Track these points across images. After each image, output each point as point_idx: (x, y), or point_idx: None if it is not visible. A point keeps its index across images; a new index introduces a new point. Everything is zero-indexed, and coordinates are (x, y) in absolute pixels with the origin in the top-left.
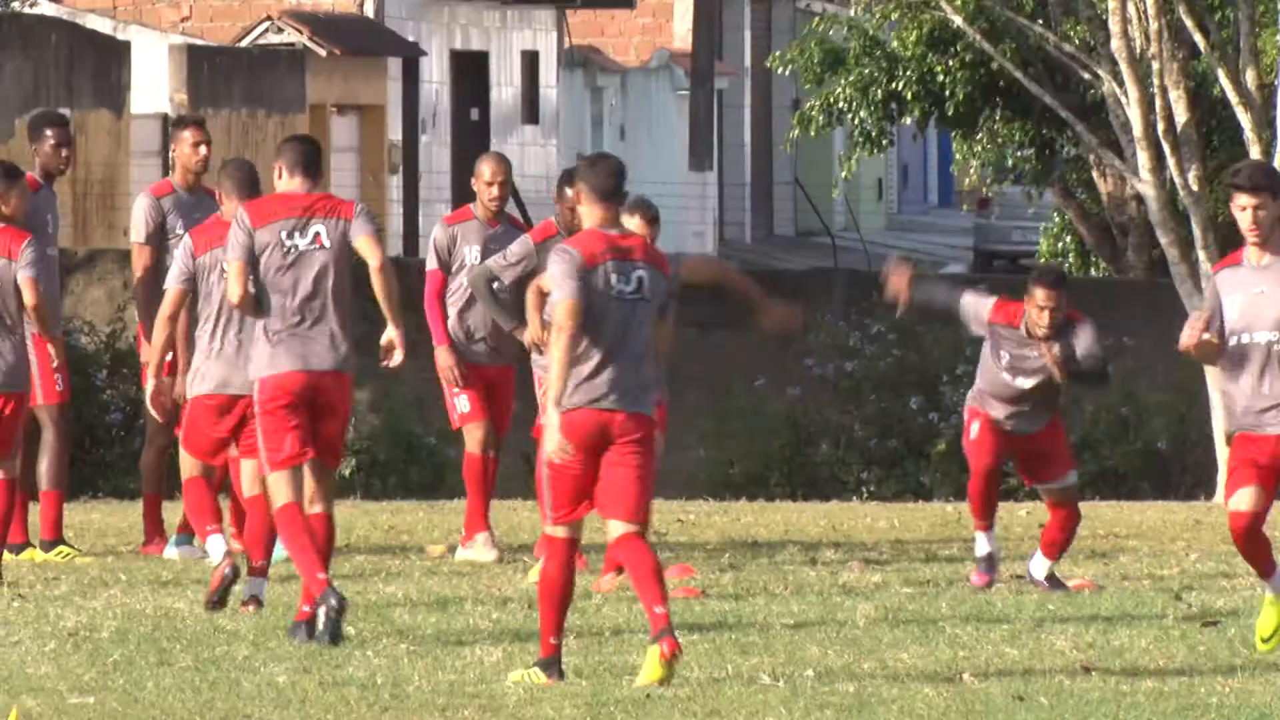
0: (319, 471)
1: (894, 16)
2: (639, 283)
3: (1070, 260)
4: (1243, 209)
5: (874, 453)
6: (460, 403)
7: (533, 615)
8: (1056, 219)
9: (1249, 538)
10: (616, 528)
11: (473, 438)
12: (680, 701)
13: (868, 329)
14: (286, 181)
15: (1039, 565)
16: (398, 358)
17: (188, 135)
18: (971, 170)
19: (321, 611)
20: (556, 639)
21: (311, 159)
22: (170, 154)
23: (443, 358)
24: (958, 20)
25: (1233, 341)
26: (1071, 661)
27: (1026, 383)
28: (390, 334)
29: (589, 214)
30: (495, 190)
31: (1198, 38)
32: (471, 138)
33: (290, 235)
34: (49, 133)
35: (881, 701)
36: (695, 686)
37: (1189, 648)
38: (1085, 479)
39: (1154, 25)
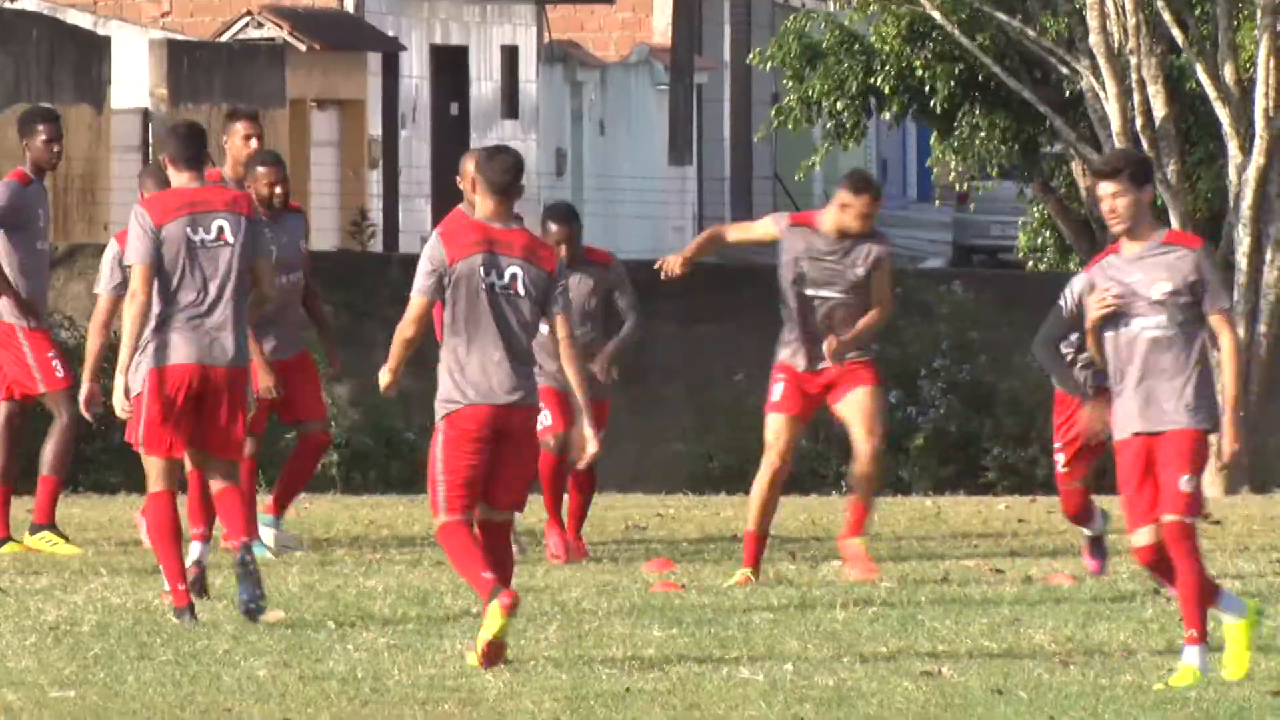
0: (216, 459)
1: (872, 9)
2: (512, 277)
3: (1049, 255)
4: (1100, 197)
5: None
6: None
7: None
8: (1035, 213)
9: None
10: (493, 514)
11: None
12: (660, 695)
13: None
14: (174, 176)
15: None
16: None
17: (240, 128)
18: (951, 167)
19: (241, 559)
20: (494, 574)
21: (195, 152)
22: (220, 143)
23: None
24: (936, 14)
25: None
26: (1050, 655)
27: None
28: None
29: (480, 205)
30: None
31: (1176, 32)
32: (451, 132)
33: (195, 230)
34: (40, 128)
35: (861, 695)
36: (675, 680)
37: (1167, 641)
38: None
39: (1132, 20)
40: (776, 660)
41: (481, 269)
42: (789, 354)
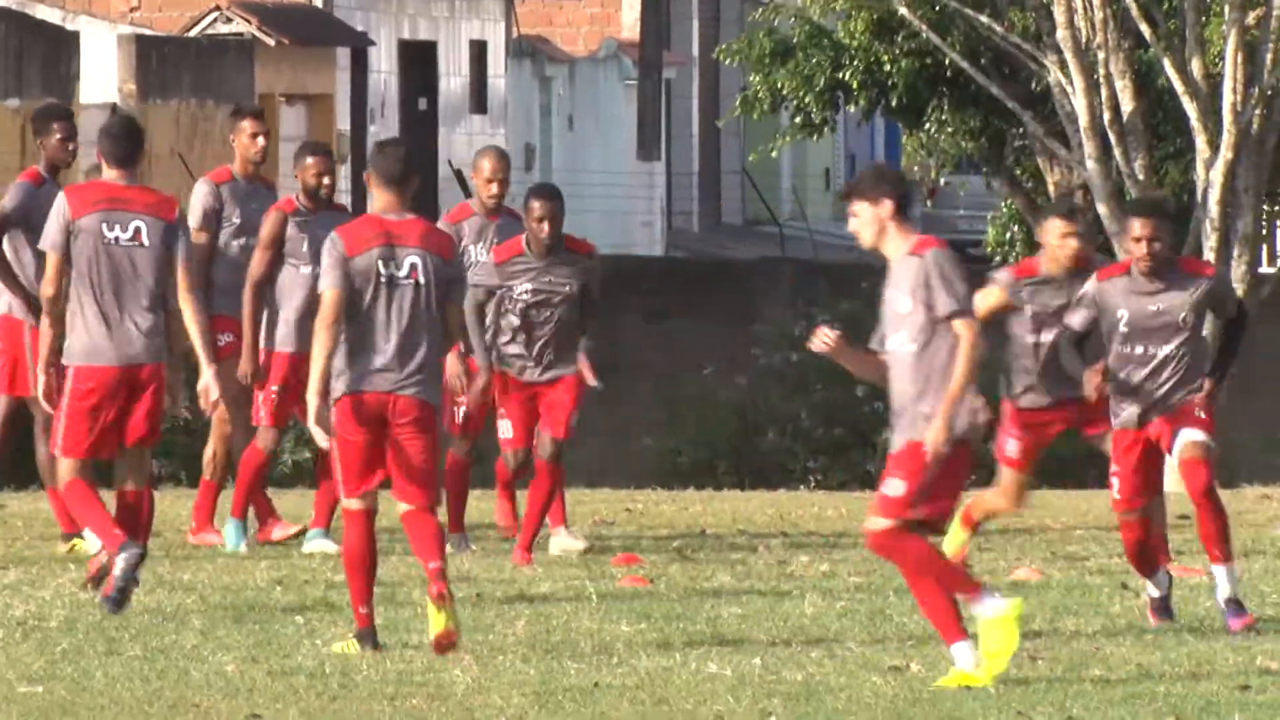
0: (135, 454)
1: (839, 6)
2: (411, 268)
3: (1018, 249)
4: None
5: (821, 442)
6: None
7: (480, 605)
8: (1004, 208)
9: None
10: (404, 508)
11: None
12: (628, 690)
13: (814, 318)
14: (105, 172)
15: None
16: (213, 396)
17: (246, 125)
18: (919, 161)
19: (120, 559)
20: (367, 608)
21: (126, 149)
22: (229, 141)
23: (450, 364)
24: (903, 9)
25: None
26: (1019, 650)
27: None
28: (205, 378)
29: (376, 198)
30: (495, 189)
31: (1144, 27)
32: (420, 127)
33: (111, 227)
34: (55, 126)
35: (829, 690)
36: (643, 675)
37: (1135, 636)
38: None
39: (1100, 15)
40: (745, 655)
41: (380, 262)
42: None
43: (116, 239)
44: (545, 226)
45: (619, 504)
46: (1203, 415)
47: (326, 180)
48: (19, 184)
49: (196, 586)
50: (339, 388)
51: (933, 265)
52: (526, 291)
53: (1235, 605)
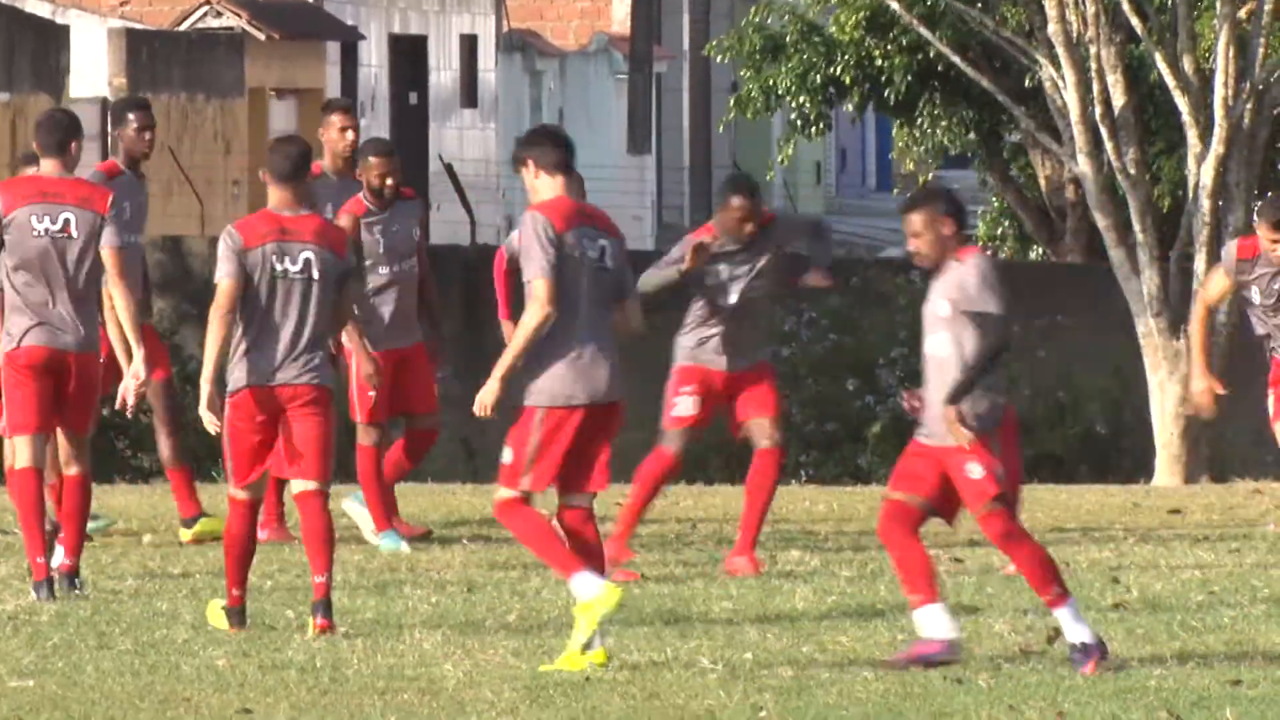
0: (69, 440)
1: (832, 1)
2: (305, 263)
3: (1009, 244)
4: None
5: (811, 436)
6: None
7: (472, 599)
8: (995, 203)
9: None
10: (298, 485)
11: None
12: (619, 685)
13: (804, 314)
14: (42, 163)
15: None
16: (141, 377)
17: (336, 119)
18: (911, 156)
19: (34, 591)
20: (240, 590)
21: (58, 139)
22: (319, 136)
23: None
24: (895, 5)
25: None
26: (1010, 645)
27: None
28: (135, 363)
29: (270, 194)
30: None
31: (1135, 22)
32: (410, 122)
33: (40, 219)
34: (131, 117)
35: (820, 684)
36: (634, 670)
37: (1127, 630)
38: (1024, 463)
39: (1091, 9)
40: (736, 649)
41: (273, 257)
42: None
43: (47, 230)
44: (747, 225)
45: (610, 498)
46: None
47: (390, 181)
48: (92, 174)
49: (187, 581)
50: (236, 380)
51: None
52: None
53: None
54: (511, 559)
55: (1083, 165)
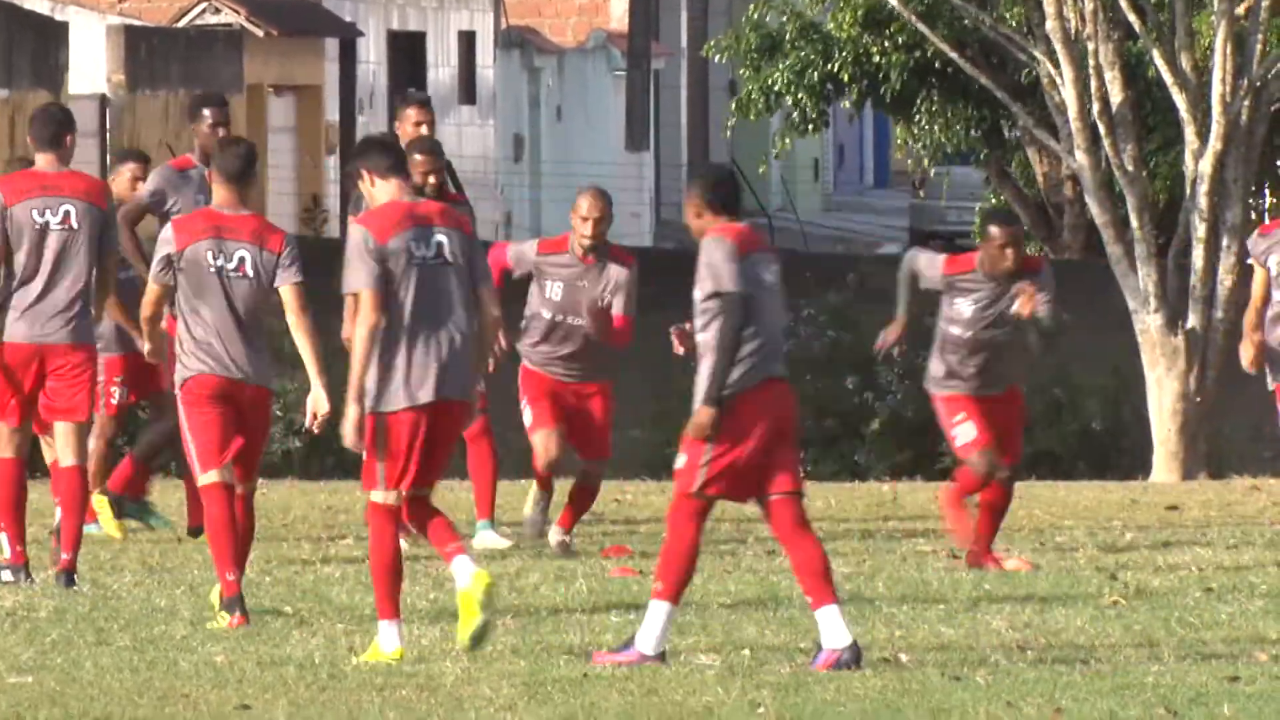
0: (60, 430)
1: None
2: (240, 260)
3: None
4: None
5: (809, 433)
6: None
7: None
8: (993, 199)
9: None
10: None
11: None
12: (617, 680)
13: (802, 310)
14: (37, 158)
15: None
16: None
17: (411, 114)
18: (911, 153)
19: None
20: (235, 575)
21: (57, 134)
22: (394, 128)
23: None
24: (894, 1)
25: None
26: (1007, 641)
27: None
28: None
29: (215, 192)
30: (589, 228)
31: (1133, 18)
32: None
33: (42, 213)
34: (206, 112)
35: (818, 681)
36: (632, 666)
37: (1125, 627)
38: (1022, 460)
39: (1089, 6)
40: (734, 646)
41: (208, 254)
42: None
43: (48, 224)
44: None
45: (609, 495)
46: None
47: (432, 179)
48: (159, 168)
49: (186, 577)
50: (185, 370)
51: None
52: None
53: None
54: (510, 555)
55: (1080, 162)
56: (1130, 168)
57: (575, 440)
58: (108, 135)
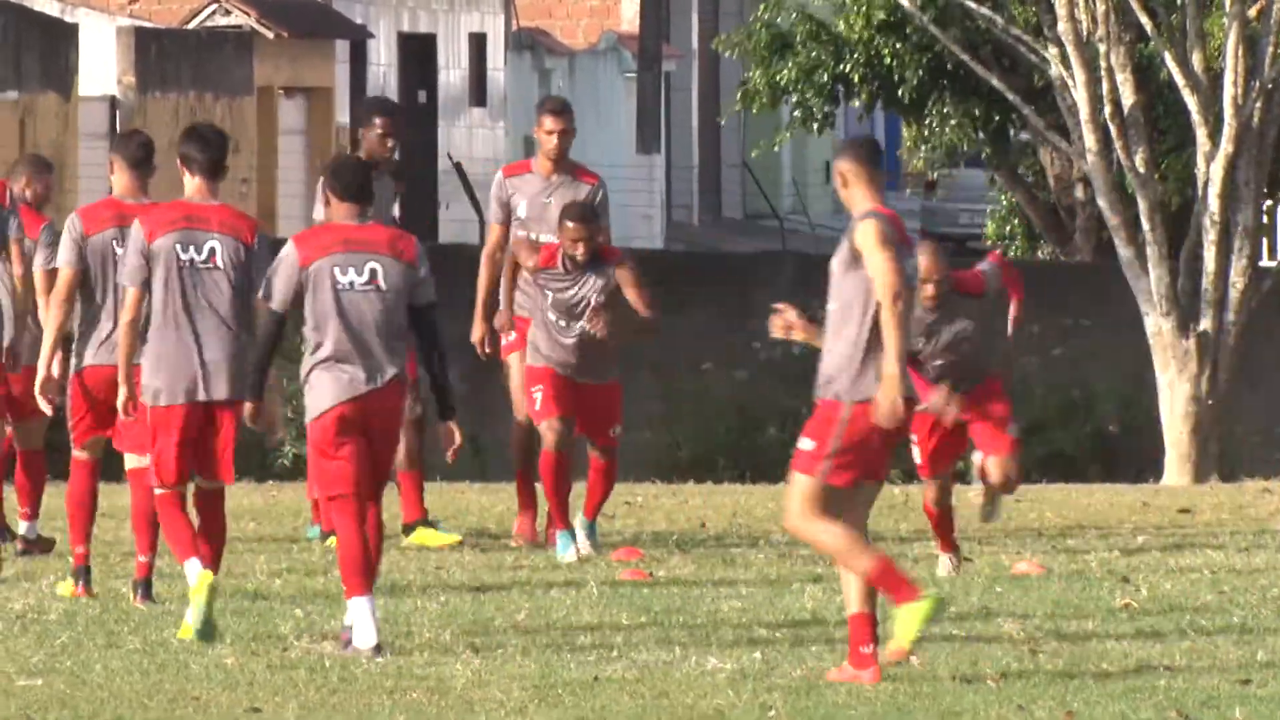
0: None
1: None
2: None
3: (1018, 243)
4: None
5: None
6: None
7: (480, 599)
8: (1004, 201)
9: None
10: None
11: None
12: (628, 684)
13: (815, 312)
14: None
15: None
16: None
17: (546, 121)
18: (921, 155)
19: None
20: (85, 548)
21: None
22: (533, 135)
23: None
24: (905, 3)
25: None
26: (1019, 644)
27: None
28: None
29: (117, 181)
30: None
31: (1144, 20)
32: (419, 120)
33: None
34: (376, 121)
35: (829, 684)
36: (643, 669)
37: (1136, 630)
38: (1034, 462)
39: (1101, 7)
40: (745, 649)
41: (113, 242)
42: None
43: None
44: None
45: (618, 498)
46: None
47: (581, 250)
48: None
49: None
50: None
51: None
52: None
53: None
54: (520, 558)
55: (1092, 164)
56: (1142, 170)
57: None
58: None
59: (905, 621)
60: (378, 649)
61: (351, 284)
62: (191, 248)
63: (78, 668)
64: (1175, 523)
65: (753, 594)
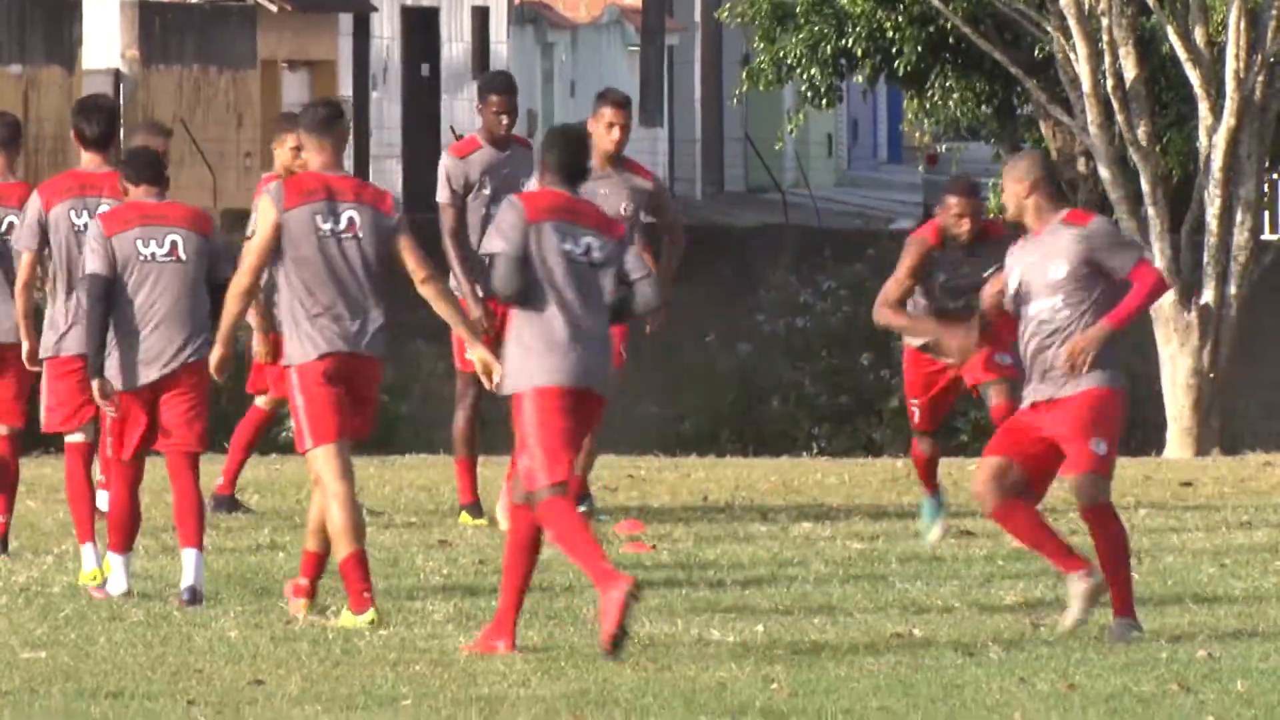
0: None
1: None
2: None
3: None
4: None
5: (824, 409)
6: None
7: (483, 570)
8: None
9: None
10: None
11: None
12: (631, 656)
13: (818, 285)
14: (86, 157)
15: None
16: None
17: (607, 113)
18: (925, 129)
19: None
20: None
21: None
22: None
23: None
24: None
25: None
26: (1020, 617)
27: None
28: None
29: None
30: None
31: None
32: (422, 94)
33: (79, 213)
34: (494, 99)
35: (832, 656)
36: (646, 642)
37: (1138, 602)
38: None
39: None
40: (747, 621)
41: (71, 211)
42: None
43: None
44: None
45: (622, 471)
46: None
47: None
48: (444, 156)
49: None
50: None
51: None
52: None
53: None
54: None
55: (1094, 137)
56: (1144, 143)
57: None
58: (121, 110)
59: None
60: (194, 593)
61: (153, 255)
62: (85, 212)
63: (81, 640)
64: (1177, 496)
65: (755, 567)
